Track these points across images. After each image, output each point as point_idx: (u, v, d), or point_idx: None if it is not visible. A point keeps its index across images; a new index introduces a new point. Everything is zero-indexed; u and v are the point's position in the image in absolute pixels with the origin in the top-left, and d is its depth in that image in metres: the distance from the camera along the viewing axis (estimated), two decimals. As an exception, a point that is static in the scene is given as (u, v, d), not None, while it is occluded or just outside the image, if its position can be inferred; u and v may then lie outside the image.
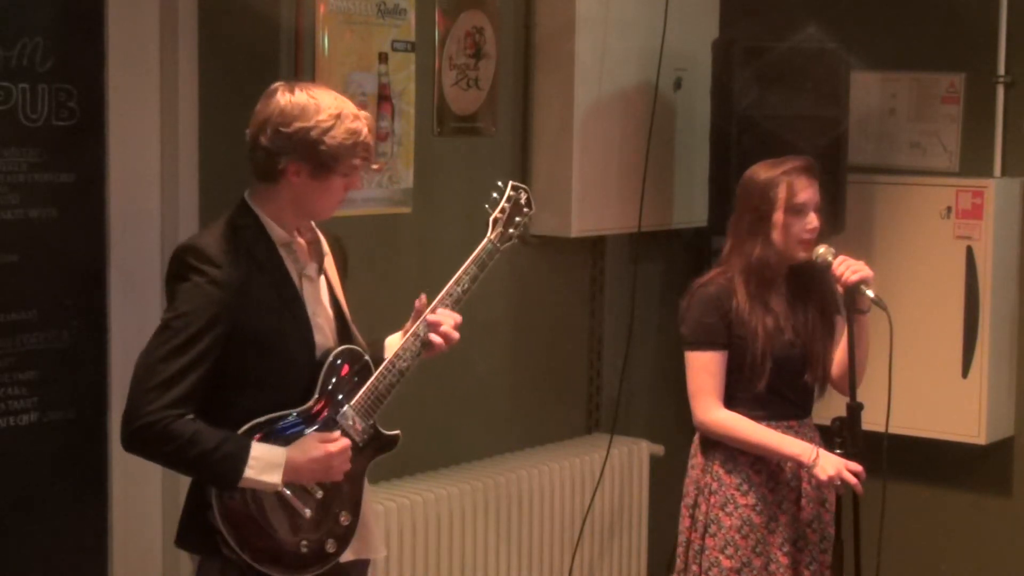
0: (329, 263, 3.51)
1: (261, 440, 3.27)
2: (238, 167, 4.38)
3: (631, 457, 5.36)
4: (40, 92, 4.09)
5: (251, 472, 3.22)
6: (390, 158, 4.63)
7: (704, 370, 4.15)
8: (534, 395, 5.31)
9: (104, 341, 4.27)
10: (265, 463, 3.23)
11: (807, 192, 4.14)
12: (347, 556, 3.45)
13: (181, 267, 3.28)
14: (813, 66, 5.10)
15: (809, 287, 4.22)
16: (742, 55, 5.09)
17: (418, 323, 3.47)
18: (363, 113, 3.37)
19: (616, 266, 5.56)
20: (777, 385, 4.16)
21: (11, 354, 4.07)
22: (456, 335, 3.48)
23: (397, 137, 4.64)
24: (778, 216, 4.12)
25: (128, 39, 4.25)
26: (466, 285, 3.53)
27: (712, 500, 4.18)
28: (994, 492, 5.52)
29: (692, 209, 5.50)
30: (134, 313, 4.31)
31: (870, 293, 4.04)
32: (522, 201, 3.64)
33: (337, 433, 3.35)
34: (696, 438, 4.28)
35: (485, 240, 3.57)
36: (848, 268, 4.05)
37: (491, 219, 3.60)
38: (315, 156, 3.30)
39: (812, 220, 4.13)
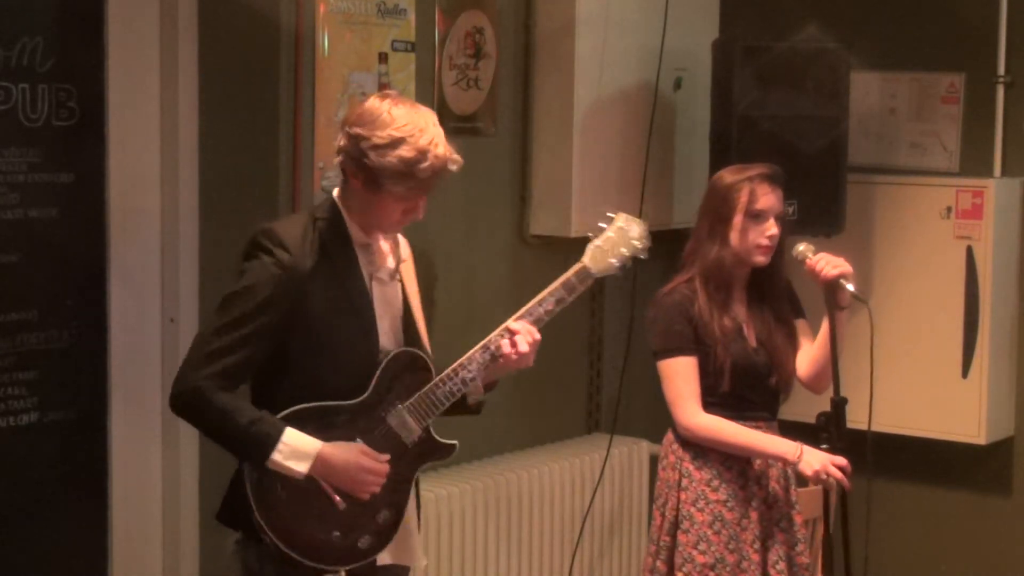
0: (407, 270, 3.49)
1: (304, 427, 3.28)
2: (238, 167, 4.40)
3: (631, 457, 5.36)
4: (40, 92, 4.09)
5: (278, 456, 3.23)
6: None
7: (680, 376, 4.17)
8: (534, 395, 5.31)
9: (104, 341, 4.27)
10: (295, 450, 3.24)
11: (768, 199, 4.16)
12: (385, 559, 3.44)
13: (253, 247, 3.31)
14: (813, 66, 5.10)
15: (765, 293, 4.24)
16: (742, 55, 5.08)
17: (492, 334, 3.41)
18: (438, 150, 3.26)
19: (616, 266, 5.55)
20: (742, 389, 4.18)
21: (11, 354, 4.07)
22: (526, 348, 3.38)
23: (397, 137, 4.64)
24: (737, 220, 4.16)
25: (128, 39, 4.25)
26: (549, 306, 3.44)
27: (683, 496, 4.19)
28: (994, 492, 5.52)
29: (692, 209, 5.45)
30: (134, 313, 4.31)
31: (850, 287, 4.04)
32: (632, 234, 3.51)
33: (386, 457, 3.33)
34: (666, 439, 4.29)
35: (578, 264, 3.49)
36: (828, 264, 4.06)
37: (589, 245, 3.51)
38: (362, 167, 3.28)
39: (770, 227, 4.15)
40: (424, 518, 4.58)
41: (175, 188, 4.34)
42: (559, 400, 5.44)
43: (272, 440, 3.23)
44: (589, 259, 3.49)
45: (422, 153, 3.25)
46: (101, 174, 4.23)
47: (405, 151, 3.24)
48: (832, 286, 4.05)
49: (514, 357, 3.38)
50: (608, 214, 3.55)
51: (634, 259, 3.53)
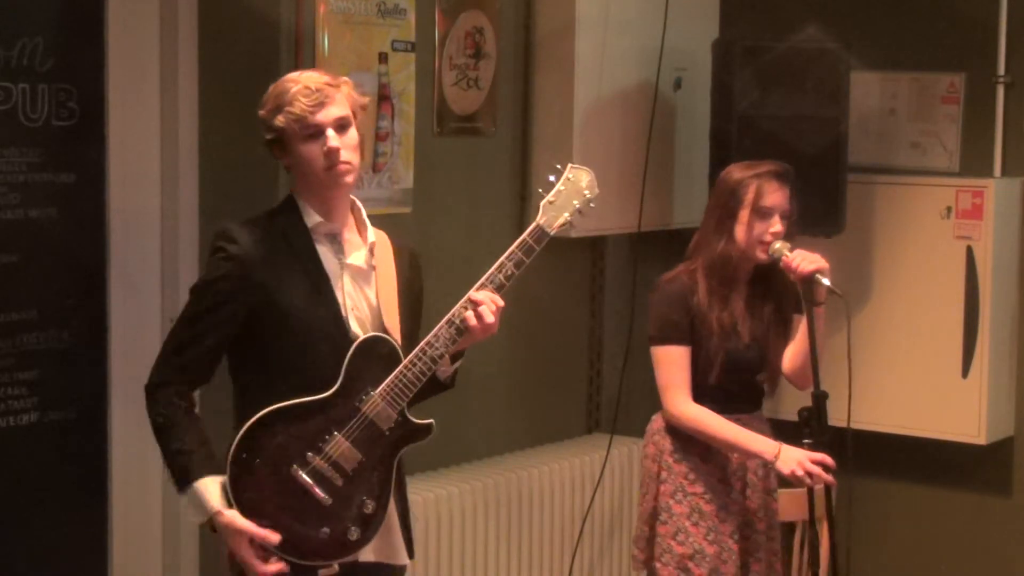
0: (385, 264, 3.47)
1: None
2: (238, 167, 4.40)
3: (631, 457, 5.36)
4: (40, 92, 4.09)
5: (184, 499, 3.33)
6: (390, 158, 4.63)
7: (673, 364, 4.22)
8: (534, 395, 5.31)
9: (104, 341, 4.27)
10: (196, 502, 3.30)
11: (775, 196, 4.19)
12: (368, 556, 3.42)
13: (212, 246, 3.38)
14: (813, 66, 5.10)
15: (767, 291, 4.26)
16: (742, 55, 5.09)
17: (455, 308, 3.37)
18: (301, 77, 3.36)
19: (616, 266, 5.55)
20: (729, 383, 4.23)
21: (11, 354, 4.07)
22: (491, 319, 3.35)
23: (397, 137, 4.64)
24: (743, 215, 4.19)
25: (128, 39, 4.26)
26: (509, 271, 3.37)
27: (662, 488, 4.25)
28: (994, 492, 5.52)
29: (692, 209, 5.49)
30: (134, 313, 4.31)
31: (826, 282, 4.06)
32: (582, 183, 3.44)
33: (280, 565, 3.28)
34: (648, 429, 4.34)
35: (532, 225, 3.40)
36: (804, 260, 4.08)
37: (542, 203, 3.42)
38: (269, 144, 3.40)
39: (775, 224, 4.19)
40: (424, 518, 4.60)
41: (175, 188, 4.34)
42: (559, 400, 5.45)
43: (182, 484, 3.30)
44: (543, 217, 3.41)
45: (284, 89, 3.35)
46: (101, 174, 4.24)
47: (273, 98, 3.36)
48: (809, 282, 4.08)
49: (479, 328, 3.37)
50: (556, 166, 3.49)
51: (585, 208, 3.44)
